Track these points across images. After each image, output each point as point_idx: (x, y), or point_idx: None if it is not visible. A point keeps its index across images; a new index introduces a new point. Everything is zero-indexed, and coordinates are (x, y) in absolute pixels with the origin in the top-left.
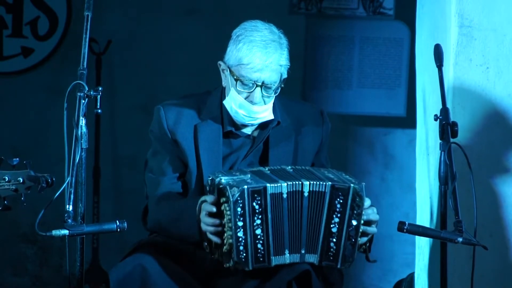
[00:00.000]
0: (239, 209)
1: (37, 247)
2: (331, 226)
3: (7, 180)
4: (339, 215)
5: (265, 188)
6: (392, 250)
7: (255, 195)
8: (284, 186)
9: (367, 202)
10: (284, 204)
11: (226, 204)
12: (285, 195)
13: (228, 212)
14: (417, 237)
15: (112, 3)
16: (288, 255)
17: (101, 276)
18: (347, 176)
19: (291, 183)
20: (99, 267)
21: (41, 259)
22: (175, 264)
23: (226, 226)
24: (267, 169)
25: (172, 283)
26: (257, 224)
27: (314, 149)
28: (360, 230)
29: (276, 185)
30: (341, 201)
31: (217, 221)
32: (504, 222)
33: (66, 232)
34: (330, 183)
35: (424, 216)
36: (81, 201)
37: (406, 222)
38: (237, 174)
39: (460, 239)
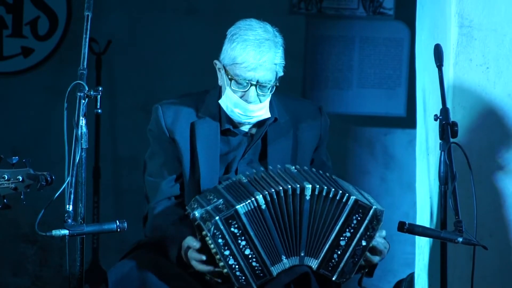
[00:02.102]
0: (220, 240)
1: (37, 247)
2: (341, 238)
3: (6, 178)
4: (352, 230)
5: (236, 211)
6: (392, 250)
7: (230, 221)
8: (259, 199)
9: (383, 232)
10: (265, 214)
11: (207, 238)
12: (263, 206)
13: (212, 246)
14: (417, 237)
15: (112, 3)
16: (286, 259)
17: (101, 276)
18: (370, 198)
19: (271, 191)
20: (99, 267)
21: (41, 259)
22: (174, 264)
23: (216, 258)
24: (244, 178)
25: (171, 283)
26: (244, 246)
27: (313, 144)
28: (367, 253)
29: (247, 202)
30: (359, 218)
31: (209, 265)
32: (504, 222)
33: (66, 232)
34: (354, 197)
35: (424, 216)
36: (81, 201)
37: (406, 222)
38: (211, 198)
39: (460, 239)
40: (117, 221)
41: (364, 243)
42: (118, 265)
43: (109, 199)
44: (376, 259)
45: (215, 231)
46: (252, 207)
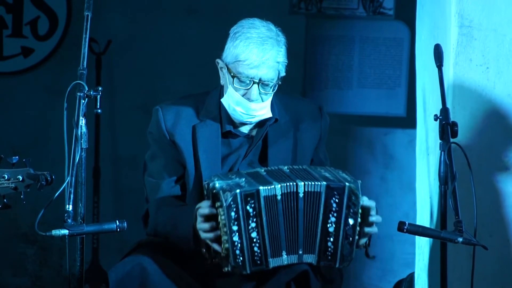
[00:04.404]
0: (232, 213)
1: (37, 247)
2: (328, 225)
3: (6, 178)
4: (335, 214)
5: (258, 191)
6: (392, 250)
7: (248, 199)
8: (278, 188)
9: (371, 204)
10: (278, 205)
11: (220, 209)
12: (279, 197)
13: (223, 217)
14: (417, 237)
15: (112, 3)
16: (286, 256)
17: (101, 276)
18: (344, 174)
19: (285, 184)
20: (99, 267)
21: (41, 259)
22: (174, 264)
23: (221, 231)
24: (263, 170)
25: (171, 283)
26: (252, 227)
27: (313, 144)
28: (358, 229)
29: (269, 187)
30: (336, 200)
31: (213, 224)
32: (504, 222)
33: (66, 232)
34: (325, 183)
35: (424, 216)
36: (81, 201)
37: (406, 222)
38: (232, 177)
39: (460, 239)
40: (117, 221)
41: (352, 221)
42: (119, 264)
43: (109, 199)
44: (374, 229)
45: (231, 203)
46: (271, 194)
